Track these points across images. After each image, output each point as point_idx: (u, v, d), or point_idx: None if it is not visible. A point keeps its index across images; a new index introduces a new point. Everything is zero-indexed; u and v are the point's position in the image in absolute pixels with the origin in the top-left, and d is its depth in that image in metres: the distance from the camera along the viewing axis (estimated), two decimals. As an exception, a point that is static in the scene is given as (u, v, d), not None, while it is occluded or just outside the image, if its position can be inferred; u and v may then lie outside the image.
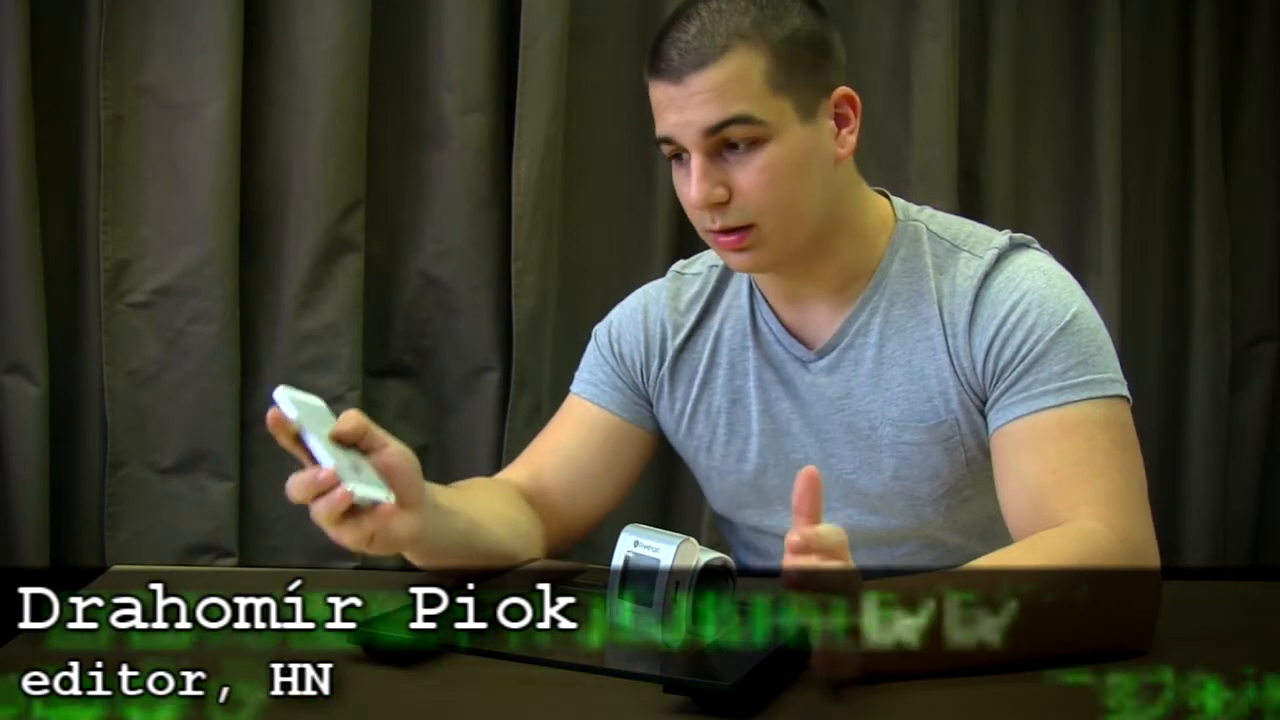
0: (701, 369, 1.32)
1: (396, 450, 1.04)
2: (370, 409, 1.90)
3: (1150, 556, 1.08)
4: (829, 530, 0.88)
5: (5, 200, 1.74)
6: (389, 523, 1.01)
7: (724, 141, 1.14)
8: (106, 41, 1.78)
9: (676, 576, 0.95)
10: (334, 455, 0.97)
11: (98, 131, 1.80)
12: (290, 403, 0.97)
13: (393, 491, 1.00)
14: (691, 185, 1.15)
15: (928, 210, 1.29)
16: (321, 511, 0.97)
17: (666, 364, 1.34)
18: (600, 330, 1.39)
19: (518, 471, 1.35)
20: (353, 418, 1.02)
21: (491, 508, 1.23)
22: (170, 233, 1.81)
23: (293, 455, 1.88)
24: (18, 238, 1.74)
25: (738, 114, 1.13)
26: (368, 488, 0.98)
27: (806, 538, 0.86)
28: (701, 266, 1.37)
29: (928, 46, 1.99)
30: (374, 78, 1.88)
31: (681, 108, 1.14)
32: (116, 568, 1.32)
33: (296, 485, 0.98)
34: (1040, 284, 1.18)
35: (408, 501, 1.04)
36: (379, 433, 1.04)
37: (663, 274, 1.41)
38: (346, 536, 1.00)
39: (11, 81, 1.72)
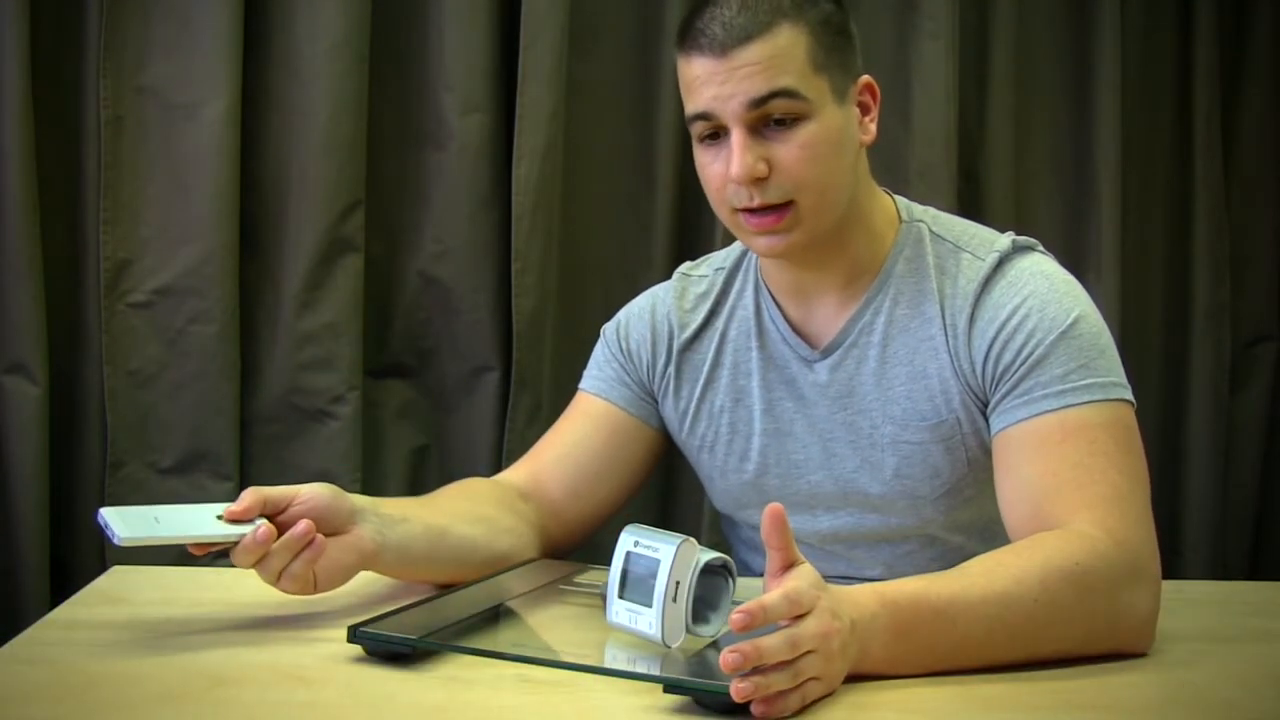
0: (705, 369, 1.33)
1: (306, 497, 1.08)
2: (370, 409, 1.90)
3: (1149, 560, 1.07)
4: (777, 600, 0.87)
5: (5, 200, 1.73)
6: (315, 553, 1.06)
7: (765, 117, 1.15)
8: (106, 41, 1.78)
9: (676, 576, 0.95)
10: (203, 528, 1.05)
11: (98, 131, 1.79)
12: (121, 520, 1.02)
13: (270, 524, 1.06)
14: (734, 160, 1.15)
15: (931, 210, 1.30)
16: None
17: (672, 362, 1.34)
18: (609, 328, 1.40)
19: (518, 470, 1.36)
20: (246, 497, 1.07)
21: (458, 509, 1.24)
22: (170, 233, 1.81)
23: (293, 455, 1.88)
24: (18, 238, 1.74)
25: (784, 87, 1.14)
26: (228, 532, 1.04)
27: (752, 612, 0.85)
28: (708, 269, 1.37)
29: (928, 46, 1.99)
30: (374, 78, 1.88)
31: (725, 81, 1.14)
32: (116, 568, 1.32)
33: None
34: (1042, 288, 1.18)
35: (336, 529, 1.09)
36: (280, 493, 1.08)
37: (663, 274, 1.42)
38: (288, 586, 1.07)
39: (11, 81, 1.72)
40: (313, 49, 1.82)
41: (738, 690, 0.84)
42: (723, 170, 1.16)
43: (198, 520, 1.05)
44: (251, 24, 1.83)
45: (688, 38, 1.17)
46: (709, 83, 1.15)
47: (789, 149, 1.15)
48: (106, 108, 1.79)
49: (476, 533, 1.22)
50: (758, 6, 1.15)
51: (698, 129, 1.18)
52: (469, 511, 1.24)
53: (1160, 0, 2.14)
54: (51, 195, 1.79)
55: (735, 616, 0.85)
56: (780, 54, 1.14)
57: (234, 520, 1.06)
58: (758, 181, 1.15)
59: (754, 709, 0.86)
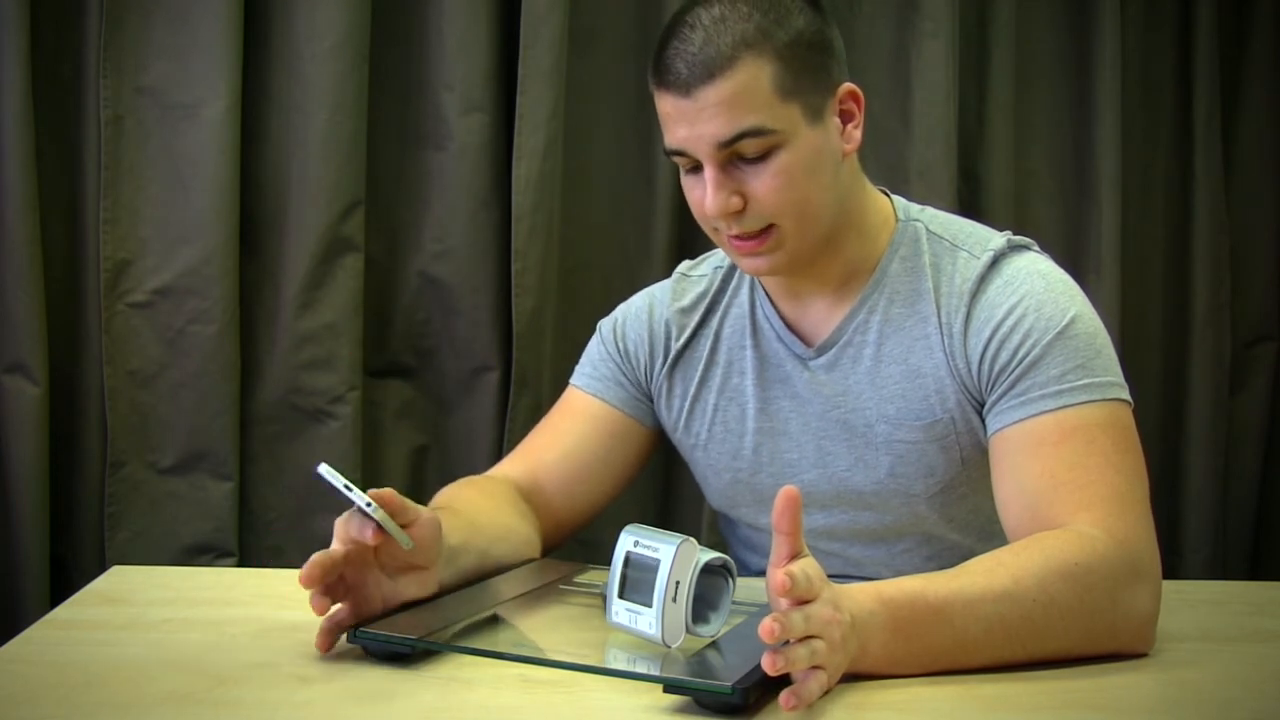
0: (700, 367, 1.33)
1: (423, 524, 1.04)
2: (370, 409, 1.90)
3: (1149, 560, 1.07)
4: (800, 572, 0.88)
5: (5, 200, 1.74)
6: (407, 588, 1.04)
7: (735, 154, 1.15)
8: (106, 41, 1.78)
9: (676, 576, 0.95)
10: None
11: (98, 131, 1.80)
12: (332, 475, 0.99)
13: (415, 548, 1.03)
14: (708, 197, 1.15)
15: (929, 210, 1.29)
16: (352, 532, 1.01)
17: (668, 363, 1.34)
18: (605, 325, 1.40)
19: (514, 466, 1.35)
20: (387, 493, 1.01)
21: (494, 526, 1.23)
22: (170, 233, 1.81)
23: (293, 455, 1.87)
24: (18, 238, 1.74)
25: (750, 127, 1.13)
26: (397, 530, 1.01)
27: (793, 576, 0.87)
28: (707, 268, 1.37)
29: (928, 46, 1.99)
30: (374, 78, 1.88)
31: (693, 121, 1.14)
32: (116, 568, 1.32)
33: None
34: (1039, 287, 1.18)
35: (428, 563, 1.06)
36: (409, 508, 1.03)
37: (663, 274, 1.42)
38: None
39: (11, 81, 1.72)
40: (313, 49, 1.83)
41: (770, 662, 0.85)
42: (703, 199, 1.17)
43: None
44: (251, 24, 1.83)
45: (657, 72, 1.16)
46: (679, 121, 1.15)
47: (762, 180, 1.15)
48: (106, 108, 1.79)
49: (505, 550, 1.22)
50: (720, 39, 1.12)
51: (677, 161, 1.19)
52: (501, 526, 1.23)
53: (1160, 0, 2.14)
54: (51, 195, 1.80)
55: (781, 578, 0.86)
56: (743, 91, 1.12)
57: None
58: (735, 213, 1.16)
59: (783, 701, 0.85)
